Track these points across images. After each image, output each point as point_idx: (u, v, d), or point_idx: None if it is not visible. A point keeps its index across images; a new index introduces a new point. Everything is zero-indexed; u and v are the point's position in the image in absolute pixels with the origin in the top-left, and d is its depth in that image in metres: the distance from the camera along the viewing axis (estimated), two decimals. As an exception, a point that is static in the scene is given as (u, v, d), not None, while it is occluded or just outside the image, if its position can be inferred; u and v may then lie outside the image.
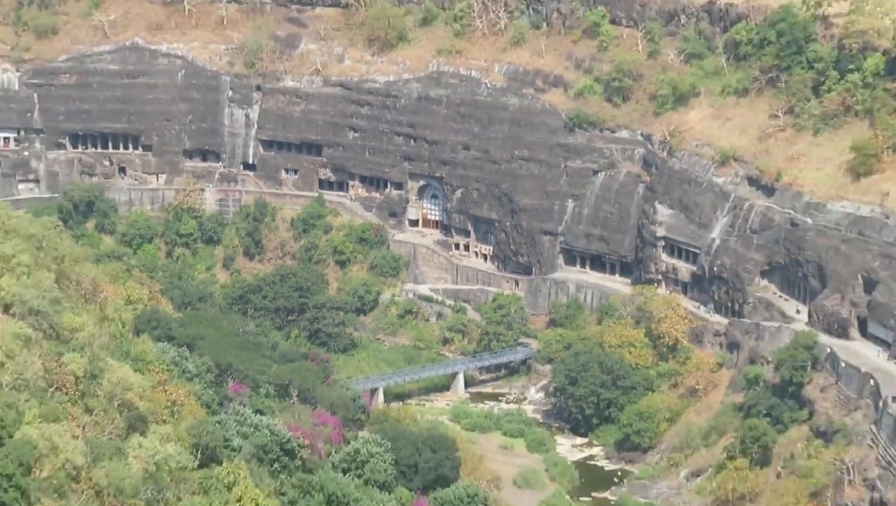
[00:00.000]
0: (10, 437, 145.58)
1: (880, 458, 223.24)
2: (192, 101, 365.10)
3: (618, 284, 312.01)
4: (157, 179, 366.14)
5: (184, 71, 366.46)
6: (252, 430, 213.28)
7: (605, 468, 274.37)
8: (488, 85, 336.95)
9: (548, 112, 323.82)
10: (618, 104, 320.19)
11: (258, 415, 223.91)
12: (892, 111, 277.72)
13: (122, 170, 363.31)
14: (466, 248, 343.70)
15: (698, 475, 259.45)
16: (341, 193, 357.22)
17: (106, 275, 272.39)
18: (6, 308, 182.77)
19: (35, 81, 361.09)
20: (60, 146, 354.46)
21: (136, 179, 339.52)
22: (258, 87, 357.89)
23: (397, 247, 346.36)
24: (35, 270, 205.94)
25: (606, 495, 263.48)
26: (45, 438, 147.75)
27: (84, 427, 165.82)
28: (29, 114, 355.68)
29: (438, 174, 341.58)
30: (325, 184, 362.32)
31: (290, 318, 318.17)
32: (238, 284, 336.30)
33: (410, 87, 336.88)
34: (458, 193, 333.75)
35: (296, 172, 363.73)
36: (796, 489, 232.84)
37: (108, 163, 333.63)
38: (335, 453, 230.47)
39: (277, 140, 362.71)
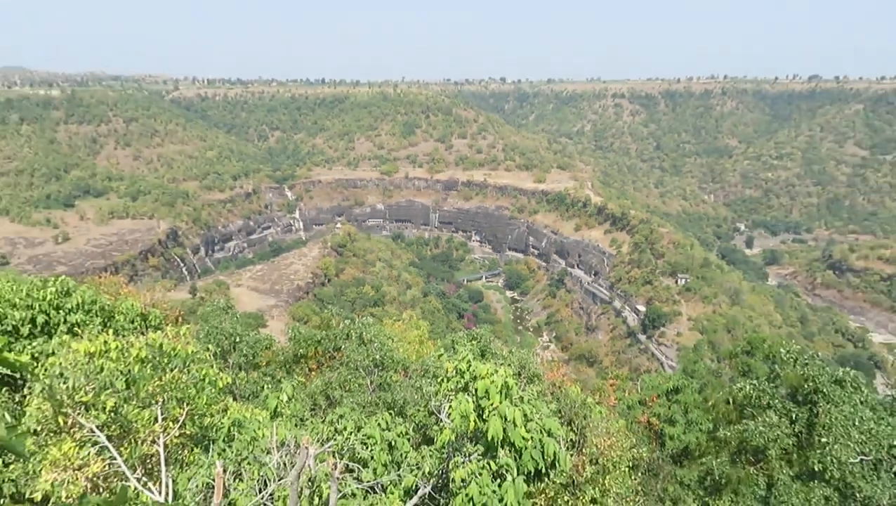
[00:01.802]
0: (380, 291, 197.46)
1: (581, 297, 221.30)
2: (424, 212, 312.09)
3: (520, 255, 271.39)
4: (415, 230, 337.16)
5: (431, 206, 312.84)
6: (435, 286, 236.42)
7: (517, 299, 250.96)
8: (491, 209, 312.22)
9: (504, 215, 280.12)
10: (521, 214, 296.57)
11: (437, 285, 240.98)
12: (592, 219, 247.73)
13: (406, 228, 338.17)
14: (485, 247, 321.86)
15: (541, 300, 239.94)
16: (455, 234, 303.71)
17: (402, 250, 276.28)
18: (377, 262, 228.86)
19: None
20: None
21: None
22: (437, 210, 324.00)
23: (471, 248, 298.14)
24: (389, 251, 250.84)
25: (517, 305, 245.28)
26: (386, 292, 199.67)
27: (396, 289, 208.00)
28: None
29: (480, 230, 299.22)
30: (454, 232, 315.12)
31: (444, 262, 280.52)
32: (432, 254, 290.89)
33: (475, 211, 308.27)
34: (483, 234, 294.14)
35: (446, 229, 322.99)
36: (562, 305, 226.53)
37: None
38: (454, 293, 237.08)
39: (443, 220, 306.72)
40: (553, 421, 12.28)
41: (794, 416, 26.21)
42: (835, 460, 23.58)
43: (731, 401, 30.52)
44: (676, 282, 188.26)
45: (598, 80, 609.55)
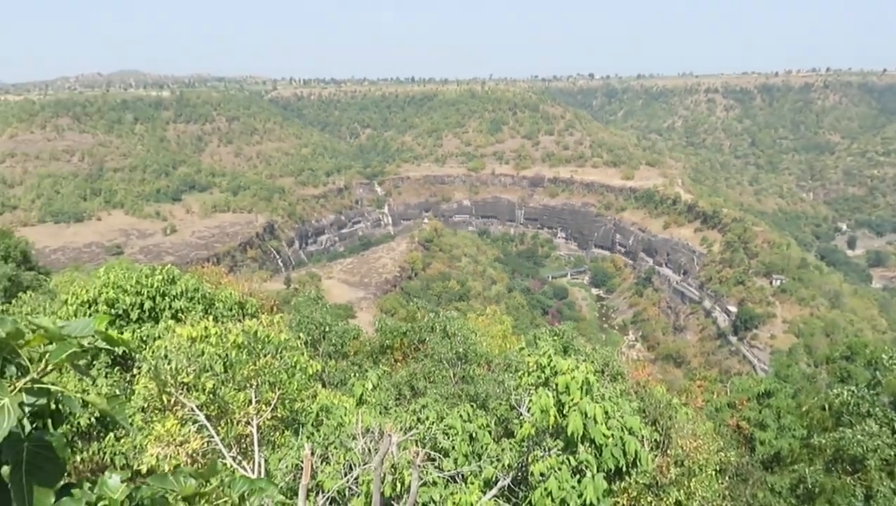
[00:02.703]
0: (465, 285, 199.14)
1: (669, 296, 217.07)
2: (510, 208, 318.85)
3: (606, 253, 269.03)
4: (501, 226, 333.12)
5: (517, 203, 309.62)
6: (520, 282, 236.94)
7: (602, 297, 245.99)
8: (577, 206, 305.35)
9: (591, 213, 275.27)
10: (608, 211, 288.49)
11: (522, 281, 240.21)
12: (682, 217, 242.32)
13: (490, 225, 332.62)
14: (571, 243, 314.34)
15: (627, 298, 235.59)
16: (541, 231, 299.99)
17: (487, 246, 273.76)
18: (462, 258, 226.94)
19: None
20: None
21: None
22: (523, 207, 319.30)
23: (556, 245, 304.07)
24: (475, 247, 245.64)
25: (603, 303, 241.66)
26: (471, 287, 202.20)
27: (481, 284, 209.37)
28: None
29: (566, 227, 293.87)
30: (540, 228, 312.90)
31: (529, 259, 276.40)
32: (517, 251, 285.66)
33: (561, 208, 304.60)
34: (569, 231, 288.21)
35: (531, 225, 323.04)
36: (649, 303, 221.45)
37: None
38: (539, 290, 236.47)
39: (529, 217, 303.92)
40: (635, 419, 12.02)
41: (896, 426, 25.49)
42: (944, 475, 22.56)
43: (827, 407, 29.32)
44: (771, 283, 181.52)
45: (690, 74, 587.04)
